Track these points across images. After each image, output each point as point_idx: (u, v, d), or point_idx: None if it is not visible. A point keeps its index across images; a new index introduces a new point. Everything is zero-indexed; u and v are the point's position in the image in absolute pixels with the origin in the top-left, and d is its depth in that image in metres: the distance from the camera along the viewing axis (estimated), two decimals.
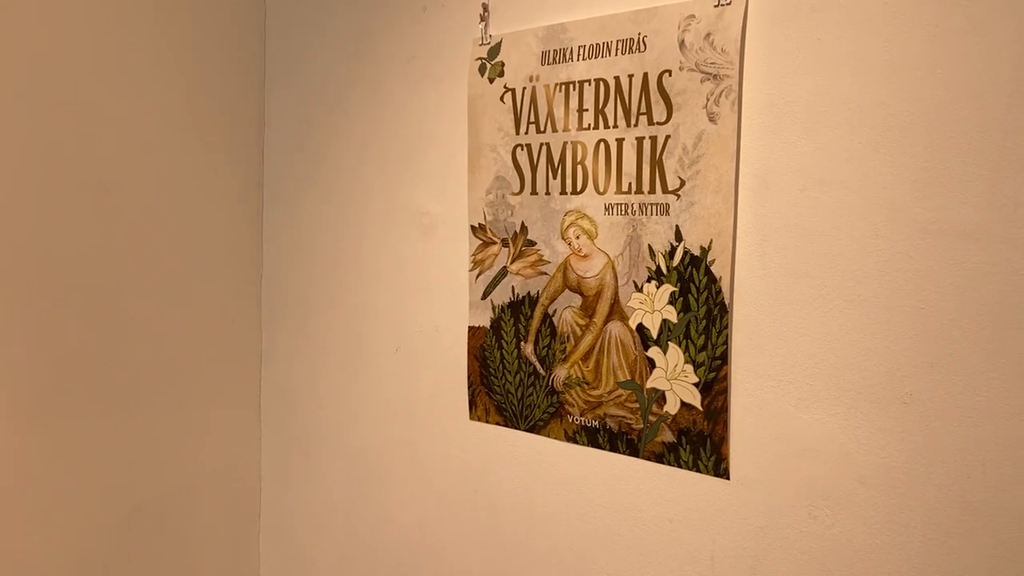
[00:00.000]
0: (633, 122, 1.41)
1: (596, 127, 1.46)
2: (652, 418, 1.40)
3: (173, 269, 1.98)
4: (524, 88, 1.56)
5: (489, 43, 1.61)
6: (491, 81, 1.61)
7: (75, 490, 1.84)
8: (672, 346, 1.37)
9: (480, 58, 1.63)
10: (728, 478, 1.32)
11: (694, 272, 1.34)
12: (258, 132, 2.12)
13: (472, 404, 1.68)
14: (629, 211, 1.42)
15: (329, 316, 2.00)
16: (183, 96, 1.97)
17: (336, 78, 1.94)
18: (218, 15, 2.03)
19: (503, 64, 1.59)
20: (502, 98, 1.59)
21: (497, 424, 1.64)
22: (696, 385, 1.35)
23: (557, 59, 1.51)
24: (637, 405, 1.42)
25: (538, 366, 1.56)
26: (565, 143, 1.50)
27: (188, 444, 2.04)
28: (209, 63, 2.02)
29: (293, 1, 2.04)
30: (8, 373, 1.72)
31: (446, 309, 1.73)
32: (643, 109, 1.40)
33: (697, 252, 1.34)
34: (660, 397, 1.39)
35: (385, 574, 1.88)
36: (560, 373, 1.53)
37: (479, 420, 1.67)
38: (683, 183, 1.35)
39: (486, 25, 1.62)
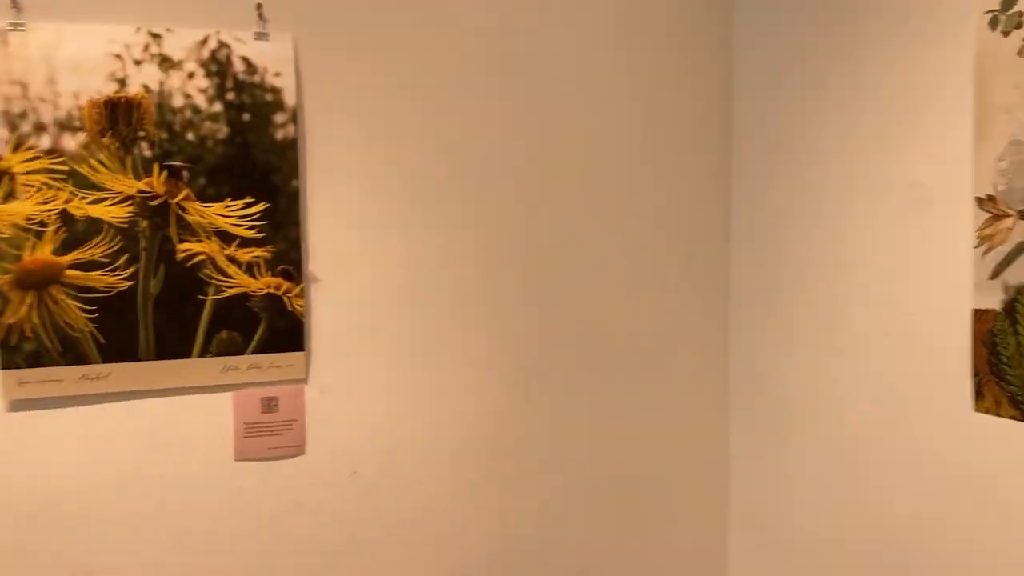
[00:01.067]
0: None
1: None
2: None
3: (645, 258, 2.09)
4: None
5: None
6: (1005, 35, 1.43)
7: (563, 453, 2.05)
8: None
9: (991, 11, 1.45)
10: None
11: None
12: (725, 113, 2.12)
13: (978, 394, 1.52)
14: None
15: (801, 299, 1.94)
16: (649, 77, 2.05)
17: (810, 51, 1.87)
18: None
19: (1021, 14, 1.41)
20: (1020, 52, 1.41)
21: (1012, 419, 1.47)
22: None
23: None
24: None
25: None
26: None
27: (660, 424, 2.14)
28: (675, 41, 2.07)
29: None
30: (518, 353, 1.99)
31: (941, 289, 1.59)
32: None
33: None
34: None
35: (866, 563, 1.79)
36: None
37: (987, 413, 1.51)
38: None
39: None
